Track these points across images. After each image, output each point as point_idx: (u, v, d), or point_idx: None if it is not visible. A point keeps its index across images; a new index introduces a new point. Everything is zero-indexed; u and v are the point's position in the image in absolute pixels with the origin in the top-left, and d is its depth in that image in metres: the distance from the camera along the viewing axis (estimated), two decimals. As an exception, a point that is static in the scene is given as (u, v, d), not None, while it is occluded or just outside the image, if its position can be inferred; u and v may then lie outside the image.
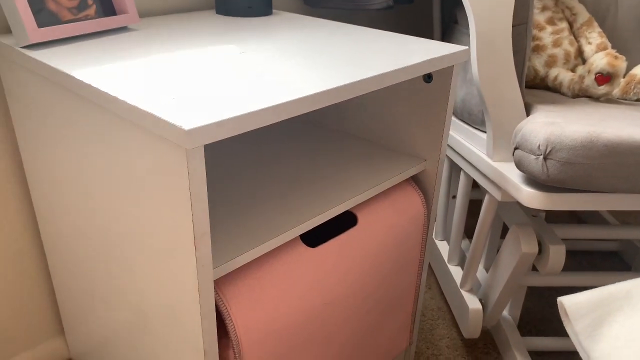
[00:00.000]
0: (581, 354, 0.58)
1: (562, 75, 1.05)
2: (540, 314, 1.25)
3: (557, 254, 0.92)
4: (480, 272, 1.24)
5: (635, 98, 1.02)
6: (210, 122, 0.50)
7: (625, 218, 1.64)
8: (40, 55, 0.68)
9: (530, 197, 0.81)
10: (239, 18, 0.97)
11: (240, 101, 0.55)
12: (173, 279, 0.61)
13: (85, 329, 0.94)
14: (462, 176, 1.12)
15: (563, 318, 0.61)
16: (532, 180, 0.83)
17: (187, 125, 0.49)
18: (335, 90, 0.61)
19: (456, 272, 1.20)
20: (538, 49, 1.10)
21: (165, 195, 0.56)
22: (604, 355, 0.56)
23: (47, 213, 0.87)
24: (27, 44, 0.70)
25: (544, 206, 0.80)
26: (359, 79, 0.64)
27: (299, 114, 0.58)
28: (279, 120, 0.55)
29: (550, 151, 0.74)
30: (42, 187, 0.84)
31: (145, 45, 0.76)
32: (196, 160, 0.51)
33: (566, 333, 1.19)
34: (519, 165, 0.80)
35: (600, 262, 1.44)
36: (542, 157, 0.75)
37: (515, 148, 0.81)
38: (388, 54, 0.75)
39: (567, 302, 0.61)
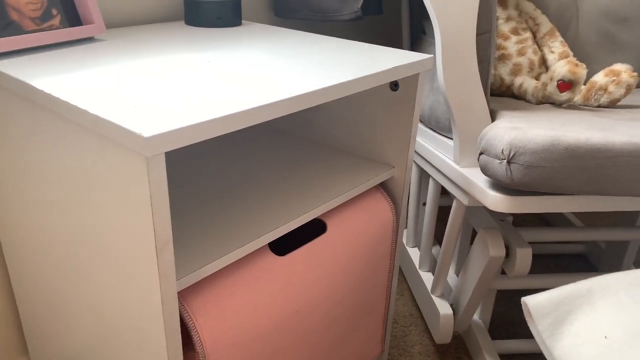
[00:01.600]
0: (544, 352, 0.59)
1: (527, 83, 1.07)
2: (510, 318, 1.27)
3: (523, 257, 0.94)
4: (451, 278, 1.25)
5: (596, 104, 1.05)
6: (170, 129, 0.49)
7: (590, 221, 1.68)
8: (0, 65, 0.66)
9: (496, 201, 0.82)
10: (208, 29, 0.97)
11: (203, 108, 0.54)
12: (135, 291, 0.60)
13: (49, 348, 0.91)
14: (430, 183, 1.13)
15: (527, 318, 0.62)
16: (498, 185, 0.84)
17: (146, 133, 0.48)
18: (301, 97, 0.61)
19: (427, 278, 1.21)
20: (503, 57, 1.12)
21: (126, 204, 0.55)
22: (565, 353, 0.56)
23: (9, 226, 0.85)
24: (-15, 52, 0.68)
25: (510, 209, 0.81)
26: (325, 85, 0.64)
27: (262, 120, 0.57)
28: (243, 127, 0.55)
29: (513, 155, 0.75)
30: (3, 200, 0.82)
31: (110, 55, 0.75)
32: (157, 168, 0.50)
33: (536, 336, 1.21)
34: (484, 170, 0.82)
35: (568, 264, 1.47)
36: (506, 161, 0.76)
37: (480, 153, 0.82)
38: (355, 62, 0.76)
39: (530, 302, 0.62)
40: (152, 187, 0.50)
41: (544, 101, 1.04)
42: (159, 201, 0.51)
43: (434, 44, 1.12)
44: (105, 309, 0.68)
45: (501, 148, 0.77)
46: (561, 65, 0.97)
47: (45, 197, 0.70)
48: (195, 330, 0.63)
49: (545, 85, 1.01)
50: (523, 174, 0.76)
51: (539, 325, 0.59)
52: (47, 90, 0.58)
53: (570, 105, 1.04)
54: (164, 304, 0.56)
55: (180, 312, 0.62)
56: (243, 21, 1.07)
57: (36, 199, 0.73)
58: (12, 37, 0.70)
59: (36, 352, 0.97)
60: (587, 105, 1.06)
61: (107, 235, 0.60)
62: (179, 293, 0.63)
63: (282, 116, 1.06)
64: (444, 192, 1.62)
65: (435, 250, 1.37)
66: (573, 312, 0.59)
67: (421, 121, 1.13)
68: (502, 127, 0.80)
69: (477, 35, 0.89)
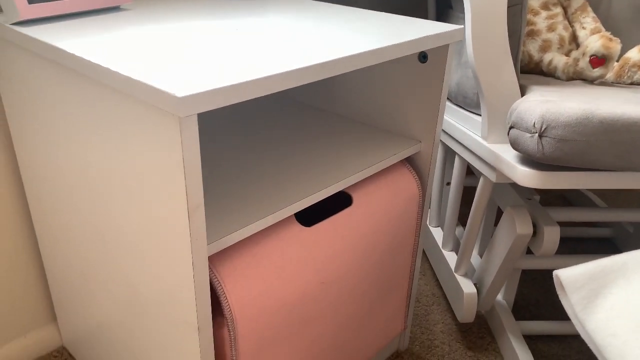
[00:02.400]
0: (576, 326, 0.58)
1: (557, 59, 1.05)
2: (534, 299, 1.26)
3: (551, 235, 0.92)
4: (474, 258, 1.24)
5: (629, 82, 1.02)
6: (203, 90, 0.49)
7: (617, 204, 1.65)
8: (31, 31, 0.67)
9: (525, 176, 0.81)
10: None
11: (234, 71, 0.54)
12: (166, 254, 0.60)
13: (78, 315, 0.93)
14: (456, 160, 1.12)
15: (559, 291, 0.61)
16: (527, 160, 0.83)
17: (180, 93, 0.48)
18: (330, 63, 0.61)
19: (450, 258, 1.20)
20: (532, 33, 1.09)
21: (159, 166, 0.55)
22: (599, 325, 0.55)
23: (39, 196, 0.86)
24: (18, 20, 0.69)
25: (540, 185, 0.80)
26: (354, 52, 0.63)
27: (292, 85, 0.57)
28: (274, 91, 0.55)
29: (545, 128, 0.74)
30: (34, 169, 0.83)
31: (138, 22, 0.75)
32: (189, 129, 0.50)
33: (561, 317, 1.20)
34: (514, 144, 0.80)
35: (594, 248, 1.45)
36: (537, 134, 0.75)
37: (511, 127, 0.81)
38: (383, 32, 0.75)
39: (563, 275, 0.61)
40: (184, 148, 0.50)
41: (575, 77, 1.01)
42: (191, 163, 0.51)
43: (461, 17, 1.10)
44: (134, 274, 0.69)
45: (533, 121, 0.75)
46: (594, 39, 0.95)
47: (76, 165, 0.71)
48: (224, 295, 0.63)
49: (576, 60, 0.98)
50: (555, 148, 0.74)
51: (572, 298, 0.58)
52: (78, 54, 0.58)
53: (602, 82, 1.01)
54: (195, 267, 0.57)
55: (209, 277, 0.63)
56: (269, -5, 1.06)
57: (67, 167, 0.73)
58: (42, 4, 0.70)
59: (64, 319, 0.99)
60: (620, 83, 1.03)
61: (140, 198, 0.61)
62: (209, 258, 0.63)
63: (308, 89, 1.06)
64: (467, 172, 1.60)
65: (457, 231, 1.36)
66: (607, 286, 0.58)
67: (447, 98, 1.11)
68: (534, 100, 0.78)
69: (508, 6, 0.87)
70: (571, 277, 0.60)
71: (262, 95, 0.54)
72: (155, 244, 0.62)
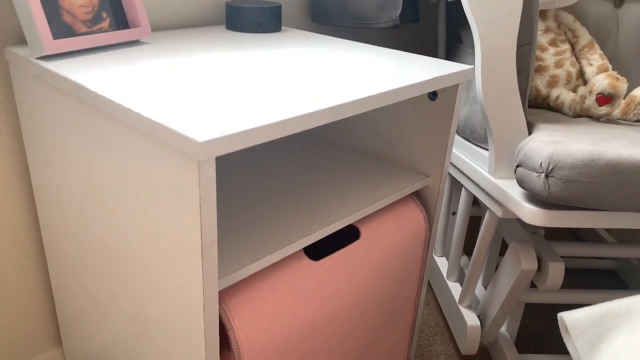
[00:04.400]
0: None
1: (564, 95, 1.06)
2: (538, 331, 1.26)
3: (556, 271, 0.93)
4: (479, 289, 1.25)
5: (635, 119, 1.03)
6: (223, 135, 0.50)
7: (623, 237, 1.65)
8: (54, 66, 0.69)
9: (531, 214, 0.82)
10: (249, 34, 0.99)
11: (252, 113, 0.56)
12: (177, 289, 0.61)
13: (83, 339, 0.93)
14: (463, 193, 1.13)
15: (563, 334, 0.62)
16: (534, 198, 0.84)
17: (200, 138, 0.49)
18: (343, 106, 0.62)
19: (455, 288, 1.20)
20: (540, 69, 1.11)
21: (174, 205, 0.56)
22: (605, 373, 0.56)
23: (50, 222, 0.87)
24: (42, 55, 0.71)
25: (545, 223, 0.81)
26: (368, 95, 0.65)
27: (307, 128, 0.59)
28: (289, 134, 0.56)
29: (552, 169, 0.75)
30: (48, 196, 0.85)
31: (158, 57, 0.77)
32: (208, 172, 0.51)
33: (564, 351, 1.19)
34: (521, 183, 0.81)
35: (598, 280, 1.45)
36: (544, 174, 0.76)
37: (518, 165, 0.82)
38: (395, 71, 0.76)
39: (568, 318, 0.61)
40: (202, 190, 0.52)
41: (582, 114, 1.03)
42: (208, 203, 0.53)
43: (470, 53, 1.12)
44: (144, 306, 0.70)
45: (540, 161, 0.77)
46: (601, 78, 0.96)
47: (89, 195, 0.72)
48: (232, 330, 0.64)
49: (583, 98, 1.00)
50: (561, 188, 0.75)
51: (576, 343, 0.59)
52: (100, 92, 0.60)
53: (608, 120, 1.02)
54: (206, 302, 0.58)
55: (219, 312, 0.64)
56: (282, 27, 1.08)
57: (80, 197, 0.75)
58: (66, 39, 0.72)
59: (70, 344, 1.00)
60: (626, 120, 1.04)
61: (153, 233, 0.62)
62: (218, 293, 0.64)
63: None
64: (474, 202, 1.61)
65: (463, 261, 1.36)
66: (612, 331, 0.59)
67: (456, 131, 1.13)
68: (541, 140, 0.80)
69: (517, 47, 0.89)
70: (576, 320, 0.61)
71: (279, 137, 0.55)
72: (167, 279, 0.63)
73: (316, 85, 0.68)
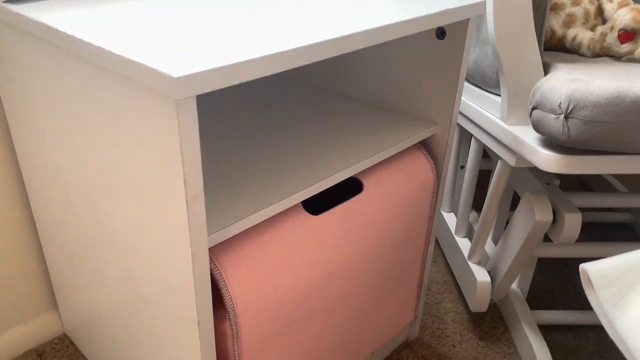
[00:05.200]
0: (604, 324, 0.54)
1: (582, 34, 0.98)
2: (549, 287, 1.21)
3: (572, 223, 0.88)
4: (488, 246, 1.20)
5: (659, 59, 0.95)
6: (202, 70, 0.44)
7: (638, 189, 1.59)
8: (22, 9, 0.62)
9: (548, 160, 0.76)
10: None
11: (236, 49, 0.49)
12: (165, 246, 0.56)
13: (78, 302, 0.90)
14: (472, 143, 1.06)
15: (585, 286, 0.57)
16: (550, 143, 0.78)
17: (176, 73, 0.43)
18: (338, 40, 0.55)
19: (464, 244, 1.16)
20: (556, 7, 1.03)
21: (156, 152, 0.51)
22: (631, 325, 0.51)
23: (37, 181, 0.82)
24: (8, -4, 0.64)
25: (564, 170, 0.75)
26: (365, 29, 0.58)
27: (298, 65, 0.52)
28: (277, 71, 0.50)
29: (572, 109, 0.69)
30: (31, 155, 0.79)
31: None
32: (187, 113, 0.45)
33: (576, 306, 1.15)
34: (537, 126, 0.75)
35: (611, 233, 1.40)
36: (563, 115, 0.70)
37: (533, 108, 0.75)
38: (398, 4, 0.69)
39: (591, 270, 0.56)
40: (182, 132, 0.46)
41: (602, 54, 0.95)
42: (190, 149, 0.47)
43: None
44: (133, 265, 0.65)
45: (558, 101, 0.70)
46: (624, 13, 0.88)
47: (72, 150, 0.67)
48: (226, 287, 0.60)
49: (604, 35, 0.92)
50: (582, 130, 0.69)
51: (600, 295, 0.54)
52: (70, 32, 0.54)
53: (630, 59, 0.95)
54: (195, 259, 0.53)
55: (210, 268, 0.59)
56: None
57: (63, 153, 0.69)
58: (32, -24, 0.65)
59: (65, 307, 0.96)
60: (649, 60, 0.96)
61: (137, 186, 0.57)
62: (210, 249, 0.59)
63: (318, 68, 1.00)
64: (483, 155, 1.55)
65: (471, 216, 1.31)
66: (639, 282, 0.54)
67: (463, 77, 1.05)
68: (560, 78, 0.73)
69: (532, -22, 0.81)
70: (600, 272, 0.55)
71: (266, 75, 0.49)
72: (154, 235, 0.58)
73: (311, 20, 0.61)
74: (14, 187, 0.89)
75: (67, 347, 1.00)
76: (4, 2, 0.65)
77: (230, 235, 0.59)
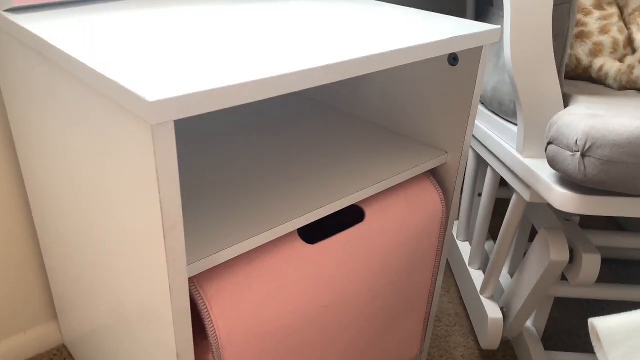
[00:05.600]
0: None
1: (609, 64, 0.93)
2: (567, 326, 1.15)
3: (590, 264, 0.82)
4: (504, 277, 1.14)
5: (692, 93, 0.90)
6: (180, 94, 0.42)
7: (669, 226, 1.51)
8: (19, 18, 0.62)
9: (562, 199, 0.71)
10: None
11: (224, 71, 0.47)
12: (144, 273, 0.54)
13: (77, 315, 0.89)
14: (488, 172, 1.02)
15: (594, 342, 0.52)
16: (567, 180, 0.73)
17: (151, 96, 0.41)
18: (342, 65, 0.53)
19: (477, 276, 1.10)
20: (582, 35, 0.98)
21: (133, 177, 0.49)
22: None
23: (37, 191, 0.82)
24: (10, 7, 0.64)
25: (578, 210, 0.70)
26: (372, 53, 0.55)
27: (291, 90, 0.50)
28: (266, 97, 0.47)
29: (589, 147, 0.64)
30: (32, 164, 0.79)
31: (136, 7, 0.69)
32: (164, 138, 0.43)
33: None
34: (552, 163, 0.70)
35: (638, 271, 1.32)
36: (579, 153, 0.65)
37: (549, 142, 0.71)
38: (410, 30, 0.66)
39: (600, 326, 0.52)
40: (158, 159, 0.44)
41: (628, 87, 0.90)
42: (167, 176, 0.45)
43: (502, 16, 1.00)
44: (117, 285, 0.64)
45: (575, 138, 0.66)
46: (654, 44, 0.83)
47: (63, 162, 0.66)
48: (209, 318, 0.57)
49: (631, 67, 0.87)
50: (599, 170, 0.64)
51: (609, 354, 0.49)
52: (57, 45, 0.53)
53: (660, 93, 0.89)
54: (172, 290, 0.51)
55: (194, 298, 0.57)
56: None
57: (57, 164, 0.69)
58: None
59: (64, 318, 0.96)
60: (681, 94, 0.91)
61: (116, 209, 0.55)
62: (194, 277, 0.57)
63: (323, 87, 0.98)
64: (502, 182, 1.49)
65: (488, 245, 1.26)
66: (652, 342, 0.49)
67: (482, 102, 1.01)
68: (578, 113, 0.69)
69: (554, 5, 0.77)
70: (609, 329, 0.51)
71: (252, 100, 0.46)
72: (134, 261, 0.56)
73: (316, 42, 0.58)
74: (16, 195, 0.89)
75: (64, 359, 0.99)
76: (3, 10, 0.65)
77: (216, 263, 0.57)
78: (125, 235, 0.55)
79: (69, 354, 1.00)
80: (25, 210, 0.90)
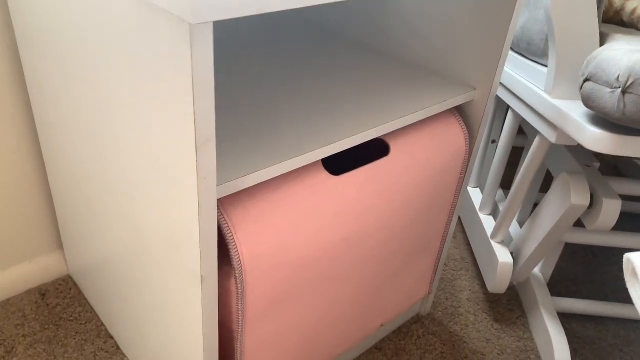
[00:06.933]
0: None
1: (643, 5, 0.89)
2: (573, 274, 1.16)
3: (611, 209, 0.81)
4: (512, 226, 1.14)
5: None
6: (222, -8, 0.38)
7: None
8: None
9: (595, 138, 0.69)
10: None
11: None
12: (171, 193, 0.52)
13: (84, 246, 0.87)
14: (508, 116, 0.99)
15: (629, 277, 0.52)
16: (600, 120, 0.71)
17: (192, -7, 0.38)
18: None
19: (487, 222, 1.10)
20: (615, -26, 0.93)
21: (166, 86, 0.45)
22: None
23: (46, 115, 0.78)
24: None
25: (611, 150, 0.68)
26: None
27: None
28: (308, 4, 0.44)
29: (632, 83, 0.61)
30: (40, 82, 0.75)
31: None
32: (202, 41, 0.40)
33: (599, 295, 1.10)
34: (588, 100, 0.68)
35: (644, 226, 1.33)
36: (620, 90, 0.62)
37: (586, 79, 0.68)
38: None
39: (637, 260, 0.50)
40: (195, 64, 0.40)
41: (664, 29, 0.86)
42: (203, 85, 0.42)
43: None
44: (137, 211, 0.62)
45: (617, 74, 0.63)
46: (697, -17, 0.79)
47: (82, 76, 0.62)
48: (233, 242, 0.55)
49: (670, 8, 0.83)
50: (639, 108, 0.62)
51: (645, 288, 0.48)
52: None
53: (696, 37, 0.86)
54: (202, 210, 0.48)
55: (219, 222, 0.55)
56: None
57: (72, 83, 0.65)
58: None
59: (70, 248, 0.94)
60: None
61: (145, 125, 0.52)
62: (218, 200, 0.55)
63: (354, 19, 0.93)
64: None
65: (497, 194, 1.25)
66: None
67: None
68: (620, 48, 0.65)
69: None
70: (647, 264, 0.50)
71: (295, 6, 0.43)
72: (161, 180, 0.53)
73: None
74: (24, 120, 0.85)
75: (70, 289, 0.98)
76: None
77: (242, 188, 0.54)
78: (154, 154, 0.52)
79: (75, 284, 0.99)
80: (31, 133, 0.87)
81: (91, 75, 0.59)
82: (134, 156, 0.56)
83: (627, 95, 0.62)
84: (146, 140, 0.53)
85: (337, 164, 0.82)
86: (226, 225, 0.55)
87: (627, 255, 0.52)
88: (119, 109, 0.56)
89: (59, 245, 0.99)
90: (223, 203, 0.55)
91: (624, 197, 1.42)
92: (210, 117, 0.44)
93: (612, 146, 0.68)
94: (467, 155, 0.80)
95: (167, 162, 0.50)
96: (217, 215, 0.55)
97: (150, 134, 0.51)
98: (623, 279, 1.15)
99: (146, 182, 0.56)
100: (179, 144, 0.46)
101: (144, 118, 0.51)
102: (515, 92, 0.91)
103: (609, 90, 0.64)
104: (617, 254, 1.23)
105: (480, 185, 1.23)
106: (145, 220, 0.61)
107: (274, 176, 0.58)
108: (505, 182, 1.41)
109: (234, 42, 0.88)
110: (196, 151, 0.45)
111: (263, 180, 0.56)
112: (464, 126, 0.78)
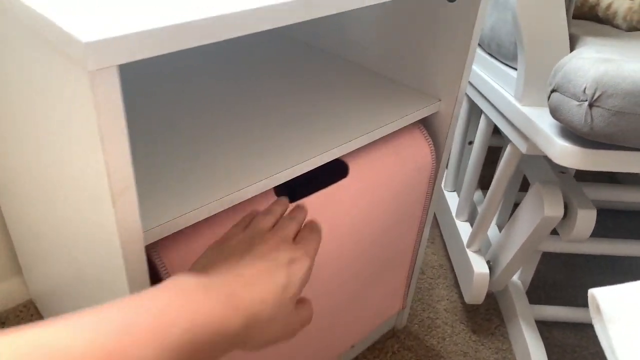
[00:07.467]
0: (609, 357, 0.46)
1: (618, 2, 0.85)
2: (552, 279, 1.13)
3: (585, 220, 0.78)
4: (492, 230, 1.11)
5: None
6: (121, 34, 0.34)
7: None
8: None
9: (563, 153, 0.65)
10: None
11: (179, 8, 0.39)
12: (97, 242, 0.48)
13: (40, 270, 0.83)
14: (482, 120, 0.95)
15: (593, 314, 0.48)
16: (569, 132, 0.67)
17: (87, 37, 0.33)
18: (303, 3, 0.45)
19: (464, 229, 1.06)
20: (590, -31, 0.89)
21: (76, 134, 0.41)
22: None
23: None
24: None
25: (581, 165, 0.65)
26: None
27: (253, 31, 0.42)
28: (228, 37, 0.39)
29: (599, 96, 0.58)
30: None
31: None
32: (106, 87, 0.36)
33: (579, 303, 1.07)
34: (555, 113, 0.64)
35: (627, 222, 1.30)
36: (587, 103, 0.59)
37: (553, 90, 0.64)
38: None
39: (600, 296, 0.47)
40: (100, 113, 0.36)
41: (639, 27, 0.82)
42: (113, 133, 0.38)
43: (505, -54, 0.90)
44: (76, 247, 0.58)
45: (583, 86, 0.59)
46: (672, -19, 0.75)
47: (15, 120, 0.58)
48: (174, 288, 0.51)
49: (644, 7, 0.79)
50: (608, 122, 0.58)
51: (609, 330, 0.45)
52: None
53: (672, 36, 0.82)
54: (127, 260, 0.44)
55: (157, 266, 0.51)
56: None
57: (11, 119, 0.60)
58: None
59: (29, 274, 0.90)
60: (694, 37, 0.83)
61: (64, 173, 0.48)
62: (156, 244, 0.51)
63: (306, 26, 0.89)
64: (495, 129, 1.43)
65: (477, 195, 1.21)
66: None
67: (478, 44, 0.93)
68: (588, 57, 0.61)
69: None
70: (611, 300, 0.47)
71: (211, 41, 0.39)
72: (86, 227, 0.49)
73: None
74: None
75: (31, 315, 0.94)
76: None
77: (180, 228, 0.50)
78: (75, 201, 0.48)
79: (36, 310, 0.95)
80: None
81: (20, 120, 0.54)
82: (63, 202, 0.52)
83: (594, 109, 0.59)
84: (69, 188, 0.48)
85: (293, 186, 0.77)
86: (164, 268, 0.51)
87: (591, 292, 0.48)
88: (43, 153, 0.51)
89: (19, 270, 0.95)
90: (161, 245, 0.51)
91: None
92: (126, 164, 0.40)
93: (583, 161, 0.64)
94: (434, 169, 0.76)
95: (88, 212, 0.46)
96: (154, 258, 0.51)
97: (72, 183, 0.47)
98: (604, 284, 1.12)
99: (77, 226, 0.52)
100: (97, 193, 0.42)
101: (64, 167, 0.47)
102: (487, 97, 0.87)
103: (577, 103, 0.60)
104: (596, 257, 1.20)
105: (457, 189, 1.20)
106: (83, 260, 0.57)
107: (221, 210, 0.54)
108: (486, 182, 1.37)
109: (178, 60, 0.83)
110: (113, 202, 0.40)
111: (205, 217, 0.52)
112: (429, 139, 0.74)
